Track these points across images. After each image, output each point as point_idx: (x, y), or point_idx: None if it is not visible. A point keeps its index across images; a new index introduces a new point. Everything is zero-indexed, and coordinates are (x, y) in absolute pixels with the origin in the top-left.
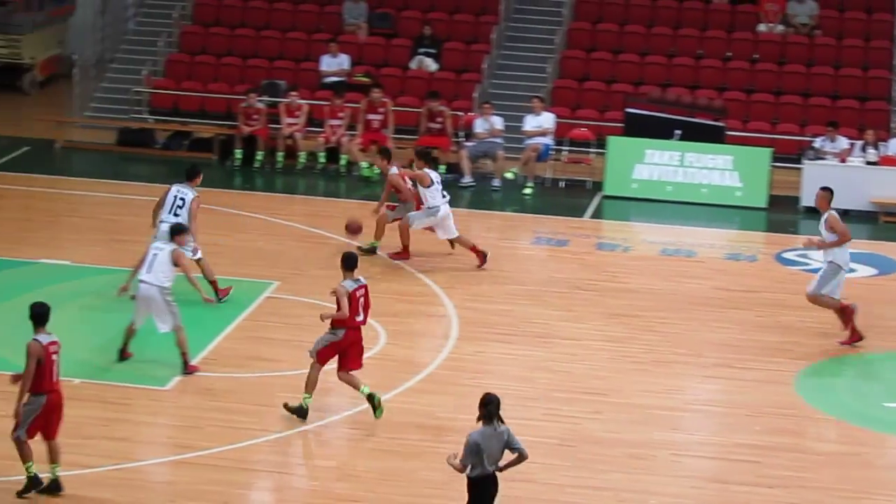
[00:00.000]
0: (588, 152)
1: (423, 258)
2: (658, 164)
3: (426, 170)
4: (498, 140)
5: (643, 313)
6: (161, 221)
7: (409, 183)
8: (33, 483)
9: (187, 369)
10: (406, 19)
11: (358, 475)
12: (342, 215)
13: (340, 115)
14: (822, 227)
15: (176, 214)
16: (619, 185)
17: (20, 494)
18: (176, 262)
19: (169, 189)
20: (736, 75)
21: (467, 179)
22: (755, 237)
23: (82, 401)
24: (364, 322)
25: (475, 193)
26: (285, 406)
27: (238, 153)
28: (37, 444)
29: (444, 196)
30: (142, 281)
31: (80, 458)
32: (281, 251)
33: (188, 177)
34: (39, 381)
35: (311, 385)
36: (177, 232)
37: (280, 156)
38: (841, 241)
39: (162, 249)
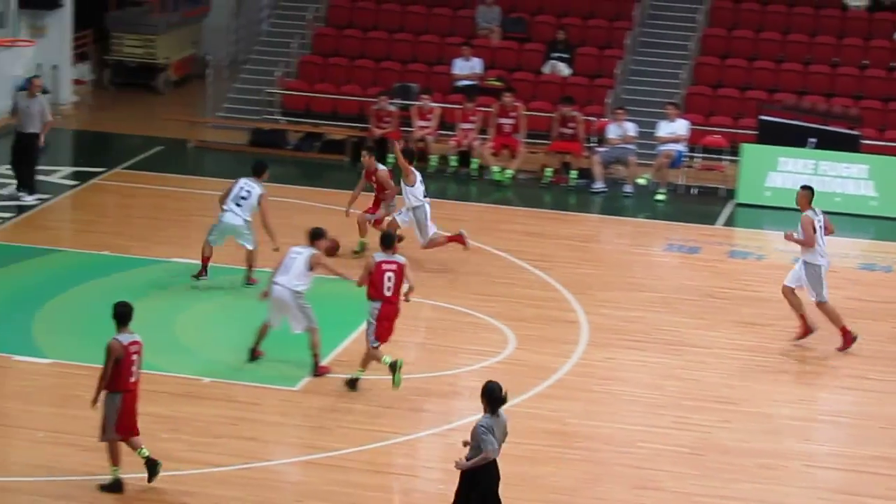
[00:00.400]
0: (721, 159)
1: (547, 262)
2: (792, 172)
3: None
4: (630, 146)
5: (775, 322)
6: (224, 210)
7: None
8: (116, 486)
9: (317, 371)
10: (539, 24)
11: None
12: (473, 219)
13: (472, 118)
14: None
15: (238, 205)
16: (752, 193)
17: (103, 488)
18: (313, 266)
19: (236, 181)
20: (873, 83)
21: (599, 185)
22: (890, 247)
23: (212, 400)
24: (394, 297)
25: (607, 199)
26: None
27: None
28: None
29: (425, 196)
30: (275, 283)
31: (209, 457)
32: (410, 255)
33: (255, 172)
34: (117, 380)
35: (365, 362)
36: (316, 237)
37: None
38: (805, 243)
39: (300, 254)
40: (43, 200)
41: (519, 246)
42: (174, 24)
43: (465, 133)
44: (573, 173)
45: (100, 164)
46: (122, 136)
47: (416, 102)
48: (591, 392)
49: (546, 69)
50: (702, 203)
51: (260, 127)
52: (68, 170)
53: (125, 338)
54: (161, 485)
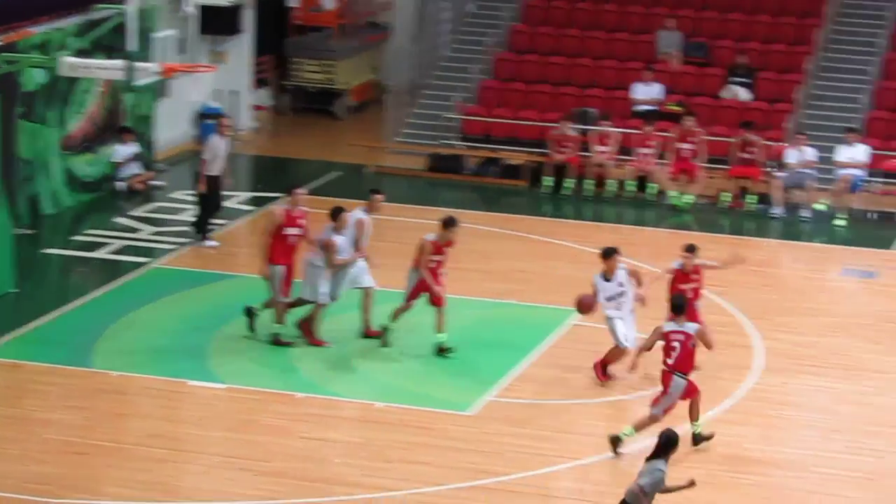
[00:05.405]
0: None
1: (723, 286)
2: None
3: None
4: (810, 171)
5: None
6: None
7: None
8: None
9: None
10: (720, 48)
11: None
12: (651, 243)
13: (651, 143)
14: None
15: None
16: None
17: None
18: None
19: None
20: None
21: (778, 210)
22: None
23: (385, 424)
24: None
25: (785, 224)
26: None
27: (548, 180)
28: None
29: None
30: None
31: (383, 482)
32: (589, 279)
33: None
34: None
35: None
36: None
37: (590, 183)
38: None
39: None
40: (220, 226)
41: None
42: (354, 50)
43: (643, 158)
44: (752, 198)
45: (278, 189)
46: (301, 161)
47: (595, 127)
48: (766, 417)
49: (726, 94)
50: (880, 228)
51: (438, 152)
52: (246, 195)
53: (668, 325)
54: None
